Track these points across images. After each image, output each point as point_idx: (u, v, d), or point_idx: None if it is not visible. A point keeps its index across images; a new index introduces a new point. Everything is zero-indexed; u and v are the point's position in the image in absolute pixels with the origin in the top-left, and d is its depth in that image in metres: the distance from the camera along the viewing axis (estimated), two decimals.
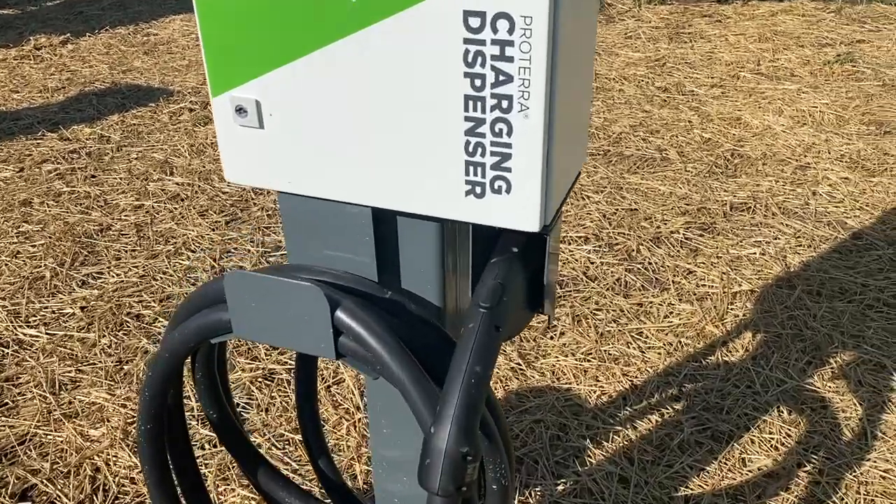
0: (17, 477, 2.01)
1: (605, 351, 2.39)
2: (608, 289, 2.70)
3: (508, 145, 0.87)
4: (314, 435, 1.38)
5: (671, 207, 3.18)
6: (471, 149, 0.89)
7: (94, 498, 1.96)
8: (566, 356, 2.37)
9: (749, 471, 1.99)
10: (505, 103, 0.84)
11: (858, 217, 3.11)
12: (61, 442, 2.12)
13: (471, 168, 0.90)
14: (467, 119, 0.87)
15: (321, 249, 1.06)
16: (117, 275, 2.83)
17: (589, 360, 2.35)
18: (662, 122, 3.95)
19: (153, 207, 3.27)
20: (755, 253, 2.88)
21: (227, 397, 1.25)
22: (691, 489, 1.94)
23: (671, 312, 2.57)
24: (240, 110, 0.97)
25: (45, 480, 2.00)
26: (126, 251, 2.98)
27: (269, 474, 1.29)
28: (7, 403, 2.25)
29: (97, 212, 3.24)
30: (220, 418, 1.24)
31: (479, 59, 0.83)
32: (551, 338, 2.45)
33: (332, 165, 0.96)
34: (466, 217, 0.94)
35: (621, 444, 2.06)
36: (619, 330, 2.48)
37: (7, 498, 1.94)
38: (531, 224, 0.90)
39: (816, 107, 4.03)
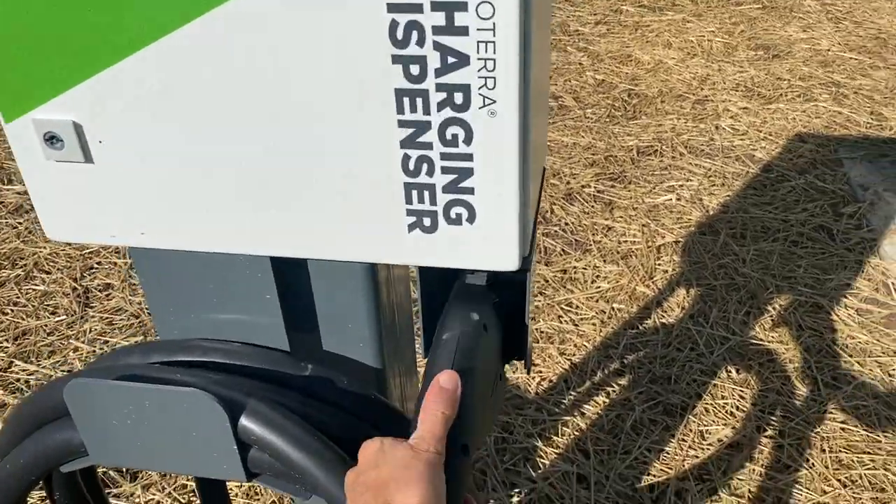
0: None
1: (536, 329, 2.18)
2: None
3: (467, 157, 0.59)
4: None
5: (578, 160, 2.98)
6: (411, 166, 0.61)
7: None
8: None
9: (710, 444, 1.84)
10: (459, 97, 0.57)
11: (765, 148, 3.02)
12: None
13: (413, 193, 0.62)
14: (402, 124, 0.59)
15: (204, 315, 0.76)
16: None
17: None
18: (553, 66, 3.74)
19: None
20: (671, 199, 2.74)
21: None
22: (655, 476, 1.77)
23: (598, 276, 2.39)
24: (52, 140, 0.64)
25: None
26: None
27: None
28: None
29: None
30: None
31: (415, 35, 0.54)
32: None
33: (203, 205, 0.66)
34: (412, 260, 0.66)
35: (573, 437, 1.86)
36: (548, 303, 2.27)
37: None
38: (507, 261, 0.64)
39: (704, 36, 3.92)
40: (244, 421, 0.64)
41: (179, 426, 0.65)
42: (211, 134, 0.62)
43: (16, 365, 2.17)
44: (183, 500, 1.77)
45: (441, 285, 0.74)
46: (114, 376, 0.65)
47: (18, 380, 2.12)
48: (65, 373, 2.12)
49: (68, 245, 2.64)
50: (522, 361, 0.80)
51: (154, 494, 1.79)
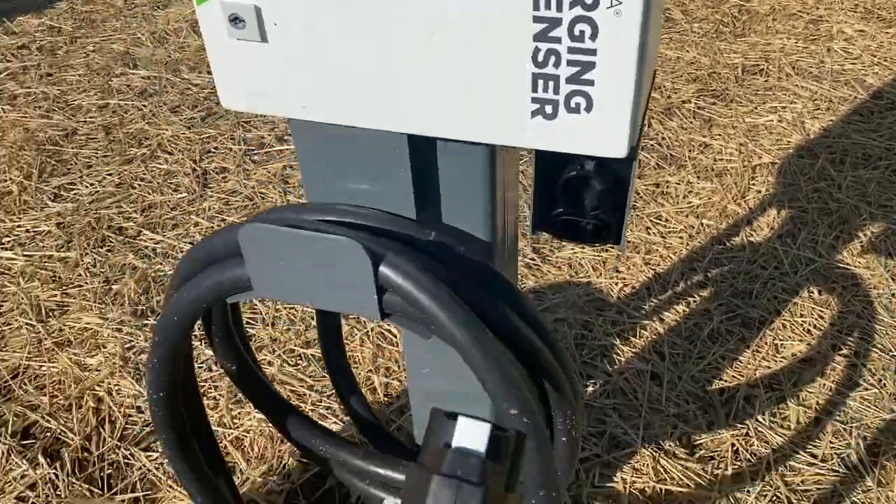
0: (16, 414, 1.89)
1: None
2: None
3: (592, 51, 0.68)
4: (344, 377, 1.25)
5: (680, 74, 2.96)
6: (540, 58, 0.70)
7: (101, 430, 1.85)
8: (583, 247, 2.23)
9: (783, 357, 1.92)
10: None
11: (877, 74, 2.93)
12: (57, 373, 1.99)
13: (539, 82, 0.71)
14: (537, 20, 0.68)
15: (347, 184, 0.88)
16: (91, 185, 2.62)
17: (608, 250, 2.22)
18: None
19: (120, 106, 3.00)
20: (772, 120, 2.71)
21: (245, 346, 1.11)
22: (726, 381, 1.86)
23: (690, 192, 2.43)
24: (235, 20, 0.76)
25: (46, 416, 1.89)
26: (97, 157, 2.75)
27: (298, 422, 1.17)
28: None
29: (59, 115, 2.97)
30: (240, 369, 1.10)
31: None
32: None
33: (356, 85, 0.77)
34: (532, 143, 0.76)
35: (650, 339, 1.97)
36: (637, 215, 2.34)
37: (8, 437, 1.84)
38: (617, 149, 0.73)
39: None
40: (383, 268, 0.77)
41: (331, 269, 0.78)
42: (363, 21, 0.72)
43: (144, 234, 2.40)
44: (291, 363, 1.98)
45: (554, 168, 0.84)
46: (279, 225, 0.79)
47: (146, 247, 2.36)
48: (188, 244, 2.35)
49: (188, 129, 2.85)
50: (617, 247, 0.90)
51: (265, 356, 2.00)
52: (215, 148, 2.75)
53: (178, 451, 1.03)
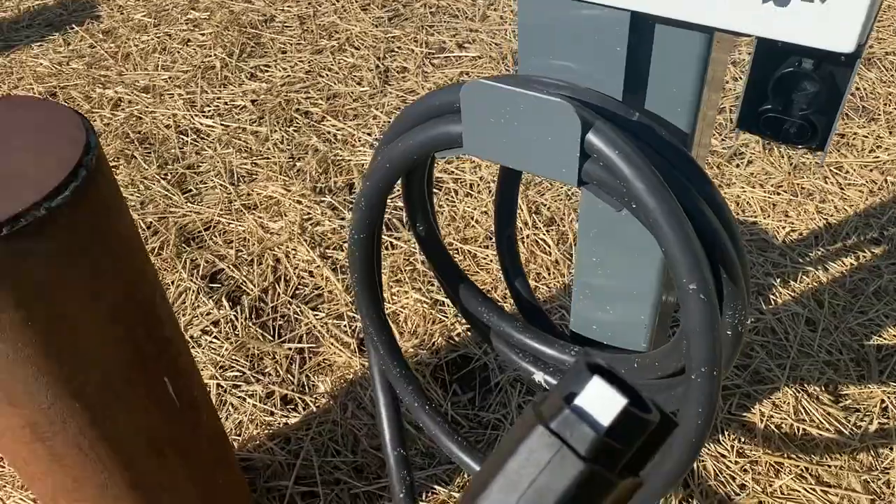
0: (206, 260, 2.13)
1: (797, 184, 2.19)
2: None
3: None
4: (511, 256, 1.33)
5: (889, 24, 2.76)
6: None
7: (277, 286, 2.05)
8: (753, 187, 2.18)
9: None
10: None
11: None
12: (243, 231, 2.21)
13: None
14: None
15: (560, 61, 0.94)
16: (284, 69, 2.81)
17: (779, 194, 2.16)
18: None
19: None
20: None
21: (433, 212, 1.20)
22: (885, 339, 1.81)
23: (878, 146, 2.30)
24: None
25: (231, 266, 2.11)
26: (291, 44, 2.93)
27: (468, 290, 1.26)
28: (191, 190, 2.35)
29: (260, 1, 3.17)
30: (427, 232, 1.20)
31: None
32: (737, 166, 2.26)
33: None
34: (760, 31, 0.78)
35: (810, 286, 1.92)
36: (817, 162, 2.25)
37: (198, 279, 2.07)
38: (846, 43, 0.74)
39: None
40: (590, 135, 0.83)
41: (541, 130, 0.85)
42: None
43: (327, 120, 2.57)
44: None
45: (770, 63, 0.85)
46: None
47: (328, 132, 2.52)
48: (366, 135, 2.49)
49: (375, 27, 2.97)
50: (819, 153, 0.91)
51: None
52: (398, 48, 2.86)
53: (366, 290, 1.16)
